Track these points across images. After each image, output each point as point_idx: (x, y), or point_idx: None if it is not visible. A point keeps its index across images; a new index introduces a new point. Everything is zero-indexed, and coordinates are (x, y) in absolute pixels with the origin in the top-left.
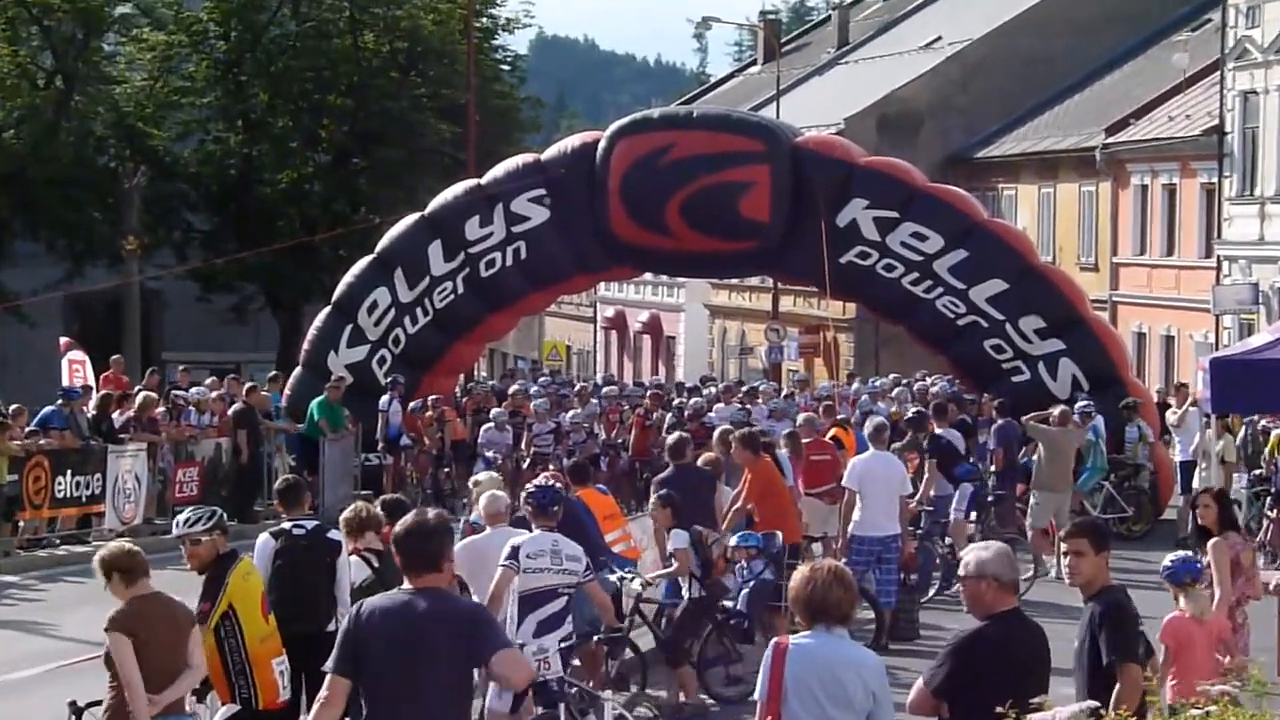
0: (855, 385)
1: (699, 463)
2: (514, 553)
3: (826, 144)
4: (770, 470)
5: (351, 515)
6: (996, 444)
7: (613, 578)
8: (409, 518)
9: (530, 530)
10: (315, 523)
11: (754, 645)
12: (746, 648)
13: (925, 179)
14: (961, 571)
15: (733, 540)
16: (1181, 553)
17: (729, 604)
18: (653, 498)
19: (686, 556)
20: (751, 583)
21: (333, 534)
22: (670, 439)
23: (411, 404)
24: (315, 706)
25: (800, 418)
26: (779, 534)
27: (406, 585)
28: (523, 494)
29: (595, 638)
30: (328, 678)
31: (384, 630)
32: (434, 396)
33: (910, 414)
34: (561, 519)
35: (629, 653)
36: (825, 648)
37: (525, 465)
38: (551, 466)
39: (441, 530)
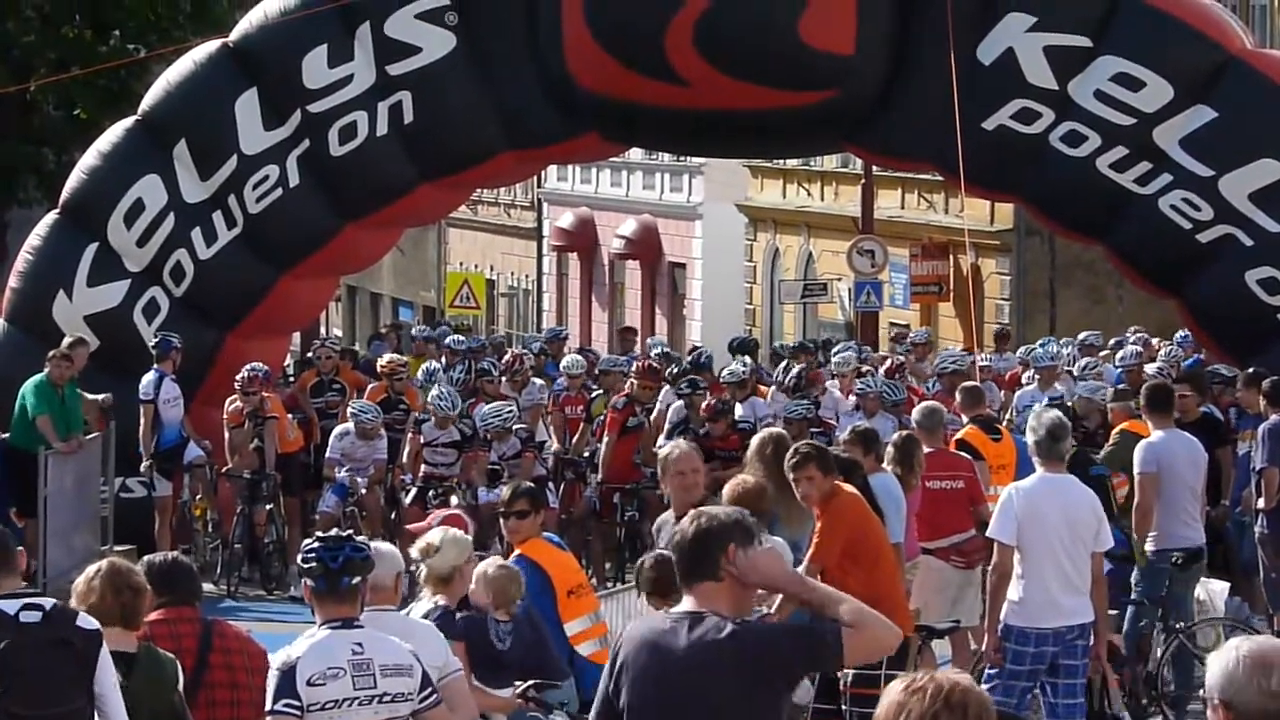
0: (1016, 354)
1: (724, 492)
2: (286, 684)
3: None
4: (856, 510)
5: (90, 590)
6: (1269, 459)
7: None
8: (698, 517)
9: (349, 627)
10: (53, 601)
11: None
12: None
13: None
14: (1207, 690)
15: None
16: None
17: None
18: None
19: None
20: None
21: (83, 619)
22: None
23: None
24: None
25: (916, 411)
26: None
27: (681, 605)
28: (300, 554)
29: None
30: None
31: (637, 668)
32: (249, 370)
33: (1113, 396)
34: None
35: None
36: None
37: (408, 497)
38: (455, 499)
39: (734, 529)
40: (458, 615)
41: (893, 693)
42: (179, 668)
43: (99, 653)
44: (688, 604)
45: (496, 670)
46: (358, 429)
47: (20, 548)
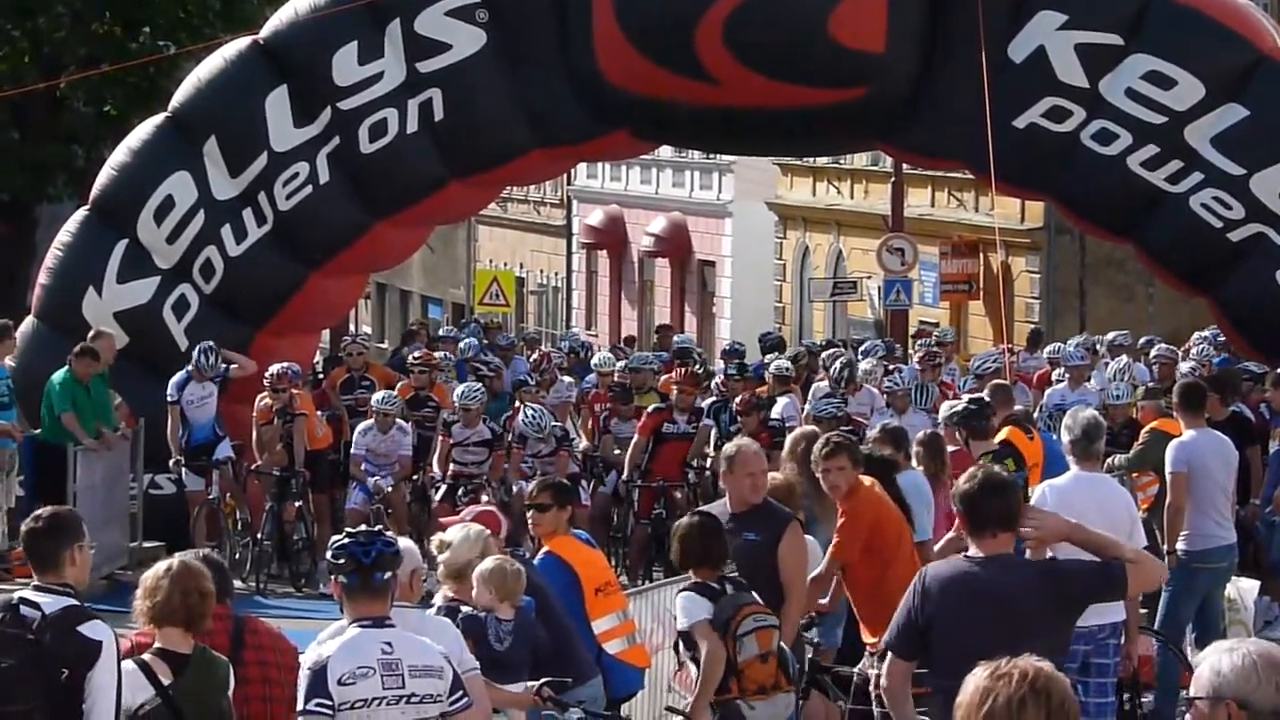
0: (1044, 352)
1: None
2: (317, 683)
3: None
4: (875, 505)
5: (157, 588)
6: None
7: (571, 716)
8: (978, 473)
9: (384, 626)
10: (68, 600)
11: None
12: None
13: None
14: (1193, 689)
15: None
16: None
17: None
18: None
19: (714, 640)
20: None
21: (91, 628)
22: None
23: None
24: (884, 684)
25: (943, 409)
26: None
27: (972, 551)
28: (329, 550)
29: None
30: (888, 659)
31: (948, 604)
32: (278, 367)
33: (1143, 394)
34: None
35: None
36: None
37: (437, 495)
38: (485, 498)
39: (1014, 488)
40: (460, 614)
41: (977, 678)
42: (230, 670)
43: (92, 668)
44: (982, 549)
45: (496, 670)
46: (375, 418)
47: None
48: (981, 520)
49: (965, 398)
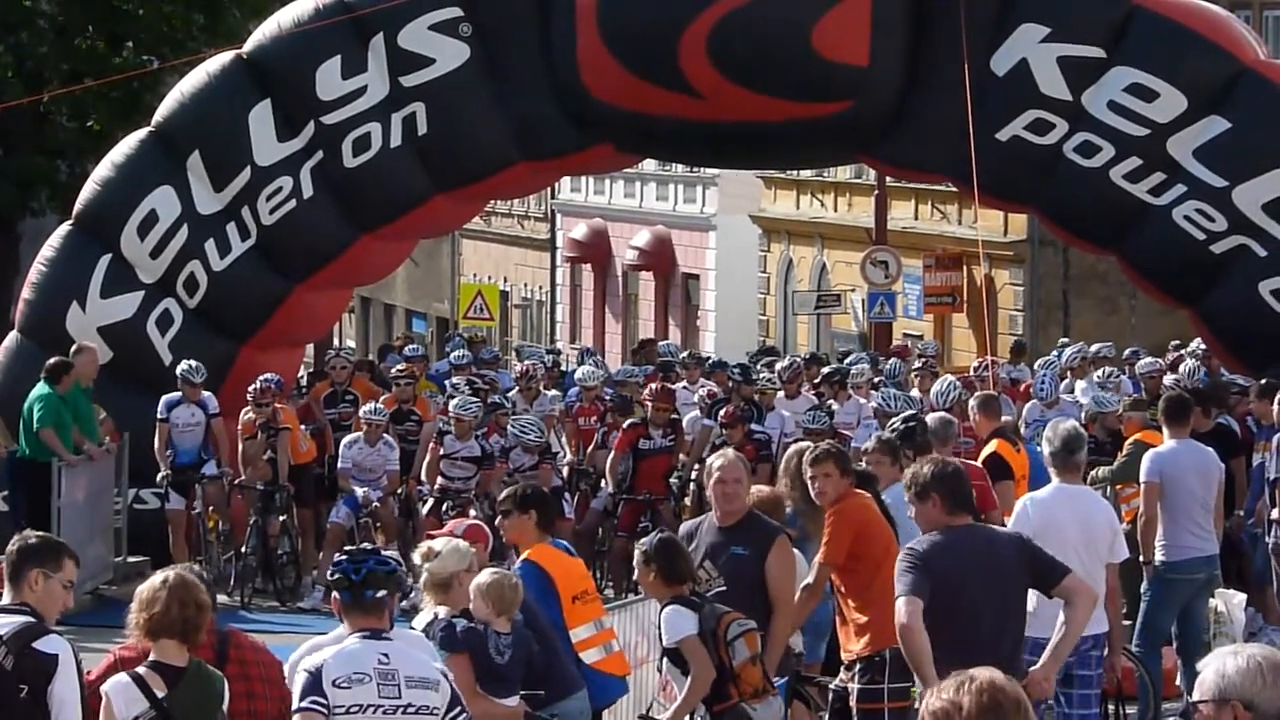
0: (1034, 366)
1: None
2: (312, 683)
3: None
4: (865, 513)
5: (154, 599)
6: None
7: None
8: (941, 460)
9: (377, 637)
10: (24, 618)
11: None
12: None
13: None
14: (1196, 693)
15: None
16: None
17: None
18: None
19: (703, 657)
20: None
21: (45, 643)
22: None
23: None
24: (903, 623)
25: (930, 419)
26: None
27: (960, 522)
28: (332, 563)
29: None
30: (903, 600)
31: (951, 557)
32: (262, 381)
33: (1129, 406)
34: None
35: None
36: None
37: (425, 508)
38: (473, 512)
39: (966, 475)
40: (459, 627)
41: (943, 699)
42: (225, 685)
43: (51, 675)
44: (962, 521)
45: (495, 684)
46: (364, 430)
47: None
48: (961, 502)
49: (900, 416)
